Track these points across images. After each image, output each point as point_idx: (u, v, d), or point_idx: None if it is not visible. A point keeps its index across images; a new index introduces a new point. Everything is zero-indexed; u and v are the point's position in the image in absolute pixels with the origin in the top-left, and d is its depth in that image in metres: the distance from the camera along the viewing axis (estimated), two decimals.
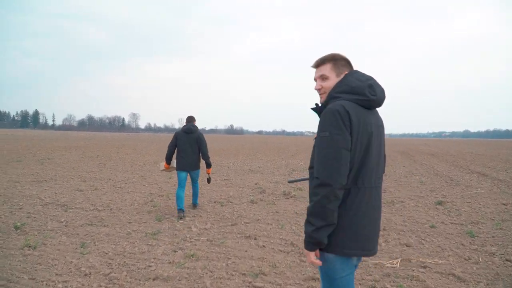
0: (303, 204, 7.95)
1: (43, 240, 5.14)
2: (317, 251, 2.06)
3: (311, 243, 2.01)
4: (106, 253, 4.71)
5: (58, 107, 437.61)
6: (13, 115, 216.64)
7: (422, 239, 5.57)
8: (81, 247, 4.92)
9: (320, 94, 2.28)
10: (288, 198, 8.74)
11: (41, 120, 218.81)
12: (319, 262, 2.07)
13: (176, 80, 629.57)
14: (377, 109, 2.26)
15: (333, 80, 2.23)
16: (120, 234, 5.54)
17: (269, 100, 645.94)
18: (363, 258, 4.57)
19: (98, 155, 21.71)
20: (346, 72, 2.24)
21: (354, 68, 2.29)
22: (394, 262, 4.52)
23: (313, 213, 1.98)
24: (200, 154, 7.27)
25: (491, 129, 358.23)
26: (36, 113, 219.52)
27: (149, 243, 5.17)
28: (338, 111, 2.00)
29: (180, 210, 6.81)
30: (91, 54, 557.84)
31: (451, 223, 6.64)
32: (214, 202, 8.18)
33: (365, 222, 2.07)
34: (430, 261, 4.61)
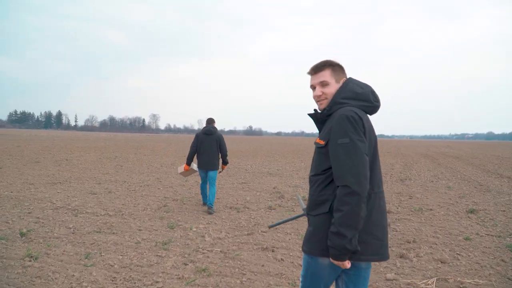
0: None
1: (46, 250, 4.82)
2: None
3: (344, 255, 1.96)
4: (111, 266, 4.35)
5: (80, 108, 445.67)
6: (37, 116, 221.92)
7: (457, 253, 5.05)
8: (86, 258, 4.58)
9: (321, 101, 2.25)
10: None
11: (64, 121, 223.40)
12: (347, 265, 2.03)
13: (195, 81, 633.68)
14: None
15: (333, 86, 2.21)
16: (128, 243, 5.19)
17: (288, 101, 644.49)
18: (393, 277, 4.11)
19: (116, 156, 21.64)
20: (345, 79, 2.25)
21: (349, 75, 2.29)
22: (429, 282, 4.04)
23: (346, 223, 1.92)
24: (220, 154, 7.65)
25: None
26: (59, 114, 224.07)
27: (159, 254, 4.80)
28: (353, 117, 2.01)
29: (205, 203, 7.86)
30: (112, 56, 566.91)
31: (487, 234, 6.08)
32: (230, 208, 7.78)
33: (377, 227, 2.07)
34: (469, 281, 4.11)
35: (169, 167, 16.26)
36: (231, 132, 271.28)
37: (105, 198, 8.50)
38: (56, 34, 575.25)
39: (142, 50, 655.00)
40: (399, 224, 6.53)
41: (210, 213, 7.17)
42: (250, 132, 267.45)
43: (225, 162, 7.87)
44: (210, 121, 7.77)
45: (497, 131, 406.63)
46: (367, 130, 2.06)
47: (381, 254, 2.09)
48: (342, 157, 1.97)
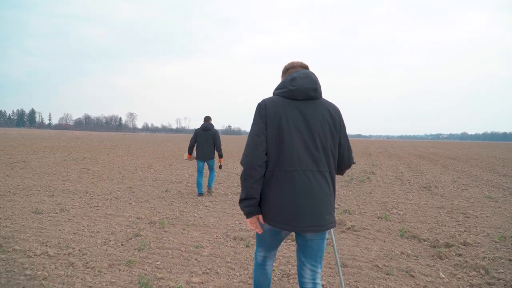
0: (377, 245, 5.17)
1: None
2: (255, 218, 2.38)
3: (245, 214, 2.38)
4: None
5: (55, 106, 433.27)
6: (9, 114, 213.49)
7: None
8: None
9: None
10: (345, 231, 5.92)
11: (37, 119, 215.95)
12: (257, 230, 2.42)
13: (175, 80, 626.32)
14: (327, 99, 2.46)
15: None
16: None
17: None
18: None
19: (84, 157, 18.88)
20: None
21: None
22: None
23: (241, 187, 2.36)
24: (215, 147, 8.73)
25: (489, 131, 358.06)
26: (33, 112, 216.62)
27: None
28: (259, 104, 2.37)
29: (200, 194, 8.67)
30: (89, 53, 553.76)
31: None
32: (234, 239, 5.30)
33: (289, 199, 2.25)
34: None
35: (145, 170, 13.70)
36: None
37: (52, 221, 5.97)
38: (32, 31, 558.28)
39: (121, 48, 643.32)
40: (502, 270, 4.23)
41: (210, 193, 8.85)
42: (229, 131, 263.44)
43: (220, 155, 8.93)
44: (208, 119, 8.84)
45: (470, 131, 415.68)
46: (270, 114, 2.29)
47: (295, 226, 2.25)
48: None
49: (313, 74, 2.38)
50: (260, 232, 2.42)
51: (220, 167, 9.13)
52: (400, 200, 8.65)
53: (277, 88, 2.42)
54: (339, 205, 7.91)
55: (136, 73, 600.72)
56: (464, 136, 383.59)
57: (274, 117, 2.28)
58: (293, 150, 2.26)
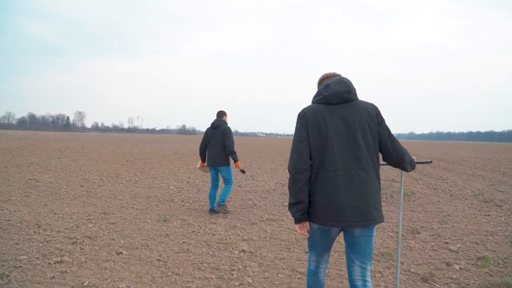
0: None
1: None
2: (303, 225, 2.43)
3: (294, 219, 2.42)
4: None
5: None
6: None
7: None
8: None
9: None
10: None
11: None
12: (304, 234, 2.45)
13: (127, 78, 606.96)
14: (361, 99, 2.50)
15: None
16: None
17: (221, 100, 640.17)
18: None
19: (31, 162, 15.20)
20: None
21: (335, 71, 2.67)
22: None
23: (289, 193, 2.44)
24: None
25: (434, 131, 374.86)
26: None
27: None
28: (299, 114, 2.49)
29: (212, 210, 7.01)
30: (33, 49, 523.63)
31: None
32: None
33: (333, 197, 2.31)
34: None
35: (114, 181, 10.49)
36: (163, 131, 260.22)
37: None
38: None
39: (67, 44, 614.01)
40: None
41: (215, 212, 6.95)
42: (183, 131, 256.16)
43: (233, 159, 6.95)
44: (219, 114, 7.29)
45: (417, 131, 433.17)
46: (310, 120, 2.39)
47: (341, 222, 2.30)
48: None
49: (346, 78, 2.48)
50: (307, 236, 2.48)
51: (242, 171, 7.45)
52: (506, 228, 6.14)
53: (314, 97, 2.55)
54: (457, 247, 5.25)
55: (85, 71, 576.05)
56: (411, 136, 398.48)
57: (314, 123, 2.39)
58: (334, 151, 2.35)
